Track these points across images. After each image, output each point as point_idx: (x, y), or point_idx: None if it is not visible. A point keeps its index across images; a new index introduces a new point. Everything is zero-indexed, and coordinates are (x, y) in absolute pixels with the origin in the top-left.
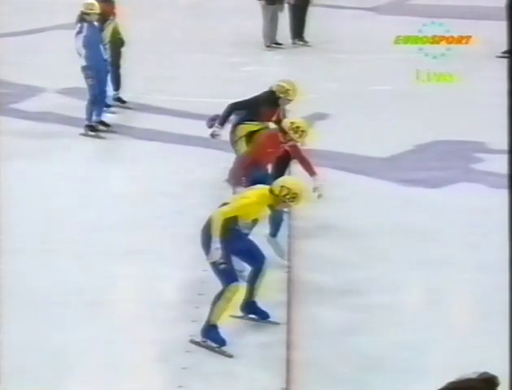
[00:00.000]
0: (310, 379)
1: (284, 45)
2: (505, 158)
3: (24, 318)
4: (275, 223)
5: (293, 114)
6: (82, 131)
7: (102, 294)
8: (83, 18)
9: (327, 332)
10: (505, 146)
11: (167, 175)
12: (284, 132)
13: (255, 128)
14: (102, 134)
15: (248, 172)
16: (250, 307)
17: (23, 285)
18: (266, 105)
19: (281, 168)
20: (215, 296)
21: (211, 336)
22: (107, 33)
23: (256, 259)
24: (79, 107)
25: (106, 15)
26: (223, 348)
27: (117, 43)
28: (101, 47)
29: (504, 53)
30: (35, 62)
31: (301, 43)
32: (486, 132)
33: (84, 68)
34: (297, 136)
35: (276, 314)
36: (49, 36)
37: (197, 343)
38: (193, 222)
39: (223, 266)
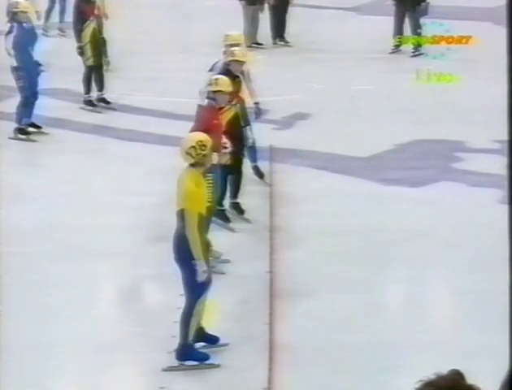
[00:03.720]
0: (291, 380)
1: (264, 46)
2: (484, 156)
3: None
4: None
5: (275, 113)
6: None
7: (80, 296)
8: (13, 17)
9: (308, 332)
10: (484, 145)
11: (149, 176)
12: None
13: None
14: (32, 137)
15: None
16: (199, 335)
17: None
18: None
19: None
20: (184, 315)
21: (193, 356)
22: (87, 33)
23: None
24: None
25: (86, 15)
26: (207, 362)
27: (98, 43)
28: (31, 48)
29: (396, 46)
30: None
31: (281, 43)
32: (467, 130)
33: (14, 69)
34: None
35: (259, 316)
36: None
37: (176, 368)
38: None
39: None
